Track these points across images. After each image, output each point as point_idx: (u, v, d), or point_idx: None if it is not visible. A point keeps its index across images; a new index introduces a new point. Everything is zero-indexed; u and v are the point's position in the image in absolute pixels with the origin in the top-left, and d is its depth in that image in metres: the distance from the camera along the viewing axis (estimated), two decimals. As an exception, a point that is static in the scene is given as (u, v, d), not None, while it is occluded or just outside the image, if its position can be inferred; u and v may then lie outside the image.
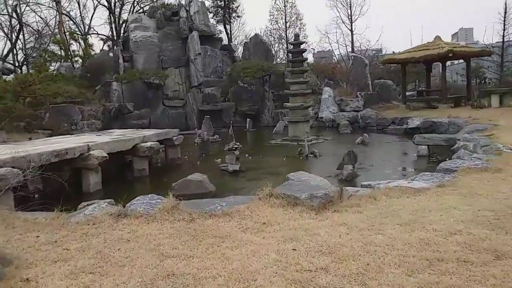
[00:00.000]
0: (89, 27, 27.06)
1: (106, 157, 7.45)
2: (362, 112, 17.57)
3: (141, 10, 25.54)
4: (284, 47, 29.60)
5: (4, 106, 9.26)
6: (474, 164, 5.67)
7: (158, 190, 7.62)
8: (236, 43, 28.89)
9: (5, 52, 26.79)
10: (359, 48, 27.76)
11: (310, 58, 31.07)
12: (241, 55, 24.41)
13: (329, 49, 29.54)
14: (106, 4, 25.28)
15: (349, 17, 28.09)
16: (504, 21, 25.52)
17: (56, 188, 7.11)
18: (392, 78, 22.82)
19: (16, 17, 26.76)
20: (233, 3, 27.45)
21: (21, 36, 27.14)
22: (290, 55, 14.23)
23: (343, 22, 28.48)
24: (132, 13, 26.35)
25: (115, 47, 22.16)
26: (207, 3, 26.10)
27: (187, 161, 10.76)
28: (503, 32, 25.73)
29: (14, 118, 9.86)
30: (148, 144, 8.69)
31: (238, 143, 12.84)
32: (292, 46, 13.97)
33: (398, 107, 17.65)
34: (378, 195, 4.46)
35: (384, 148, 12.05)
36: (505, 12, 25.35)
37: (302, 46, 14.30)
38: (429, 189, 4.62)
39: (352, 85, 20.28)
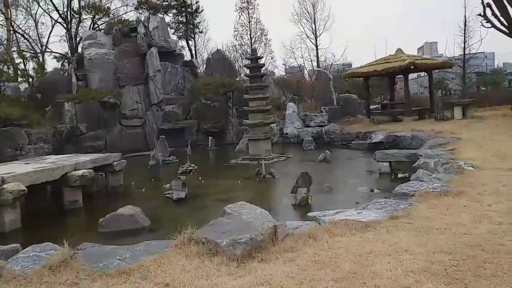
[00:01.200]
0: (46, 46, 25.79)
1: (24, 190, 6.44)
2: (326, 127, 17.10)
3: (98, 28, 24.47)
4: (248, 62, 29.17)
5: None
6: (433, 187, 5.05)
7: (86, 227, 6.71)
8: (200, 60, 28.24)
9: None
10: (324, 63, 27.63)
11: (280, 73, 30.71)
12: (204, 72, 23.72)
13: (301, 64, 29.34)
14: (62, 21, 24.09)
15: (314, 32, 28.00)
16: (464, 33, 26.10)
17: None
18: (359, 92, 22.64)
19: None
20: (195, 19, 26.81)
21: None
22: (247, 70, 13.58)
23: (308, 37, 28.34)
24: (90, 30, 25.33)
25: (68, 65, 20.97)
26: (168, 19, 25.37)
27: (132, 188, 9.79)
28: (464, 45, 26.27)
29: None
30: (80, 172, 7.72)
31: (193, 165, 12.09)
32: (250, 61, 13.35)
33: (363, 121, 17.29)
34: (319, 233, 3.72)
35: (346, 165, 11.49)
36: (465, 25, 25.92)
37: (261, 61, 13.71)
38: (379, 222, 3.92)
39: (316, 100, 19.87)
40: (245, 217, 4.43)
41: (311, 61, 28.31)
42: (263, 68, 14.00)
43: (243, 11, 28.80)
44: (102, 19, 24.18)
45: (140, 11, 24.02)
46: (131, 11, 26.03)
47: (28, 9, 25.56)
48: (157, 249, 3.62)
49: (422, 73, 31.71)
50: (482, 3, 14.68)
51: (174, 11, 25.66)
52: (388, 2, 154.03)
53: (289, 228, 4.06)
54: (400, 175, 8.77)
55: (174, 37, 24.73)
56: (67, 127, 18.10)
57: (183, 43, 26.92)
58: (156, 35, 22.10)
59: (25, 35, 25.58)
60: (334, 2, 70.60)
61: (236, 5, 28.59)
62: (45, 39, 26.24)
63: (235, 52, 28.93)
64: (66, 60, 23.72)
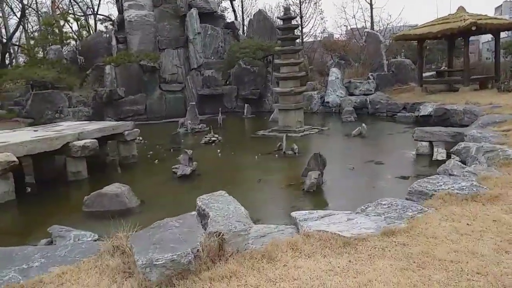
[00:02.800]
0: (92, 8, 25.97)
1: (13, 161, 6.15)
2: (372, 96, 15.53)
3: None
4: (298, 23, 27.37)
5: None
6: (460, 186, 3.90)
7: (75, 204, 6.32)
8: (247, 21, 26.92)
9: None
10: (379, 24, 25.18)
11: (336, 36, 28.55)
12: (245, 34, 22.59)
13: (351, 26, 26.99)
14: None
15: (368, -12, 25.42)
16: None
17: None
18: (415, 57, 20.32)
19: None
20: (239, -23, 25.40)
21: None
22: (279, 32, 12.36)
23: (361, -6, 25.80)
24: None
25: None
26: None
27: (147, 159, 9.36)
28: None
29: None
30: (82, 142, 7.34)
31: (216, 135, 11.43)
32: (282, 22, 12.10)
33: (414, 90, 15.45)
34: (280, 250, 2.85)
35: (383, 142, 10.20)
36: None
37: (294, 22, 12.41)
38: (365, 239, 2.95)
39: (364, 65, 18.11)
40: (212, 214, 3.64)
41: (365, 22, 25.97)
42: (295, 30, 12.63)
43: (293, -32, 26.76)
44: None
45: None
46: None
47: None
48: (81, 255, 2.98)
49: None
50: None
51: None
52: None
53: (252, 237, 3.22)
54: (440, 158, 7.47)
55: (217, -3, 23.64)
56: (106, 91, 18.17)
57: (227, 3, 25.74)
58: (197, -5, 21.19)
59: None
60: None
61: (285, -39, 26.57)
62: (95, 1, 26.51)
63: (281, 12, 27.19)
64: (110, 23, 23.67)
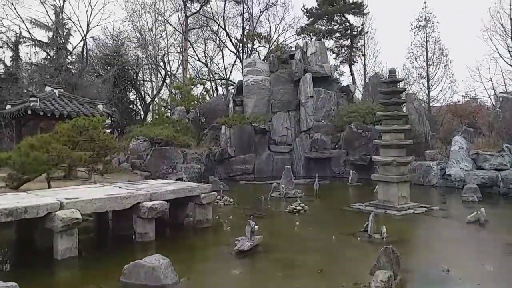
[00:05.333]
0: (215, 73, 28.59)
1: (77, 219, 6.37)
2: (505, 173, 12.82)
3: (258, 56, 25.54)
4: (424, 87, 25.36)
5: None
6: None
7: (116, 271, 6.11)
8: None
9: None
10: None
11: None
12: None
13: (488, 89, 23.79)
14: (234, 50, 26.18)
15: (510, 50, 22.25)
16: None
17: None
18: None
19: (163, 66, 30.24)
20: (359, 42, 24.94)
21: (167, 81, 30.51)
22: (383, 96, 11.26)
23: (501, 55, 22.68)
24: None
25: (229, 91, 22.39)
26: (330, 44, 24.39)
27: (222, 224, 9.00)
28: None
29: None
30: (150, 203, 7.35)
31: (302, 204, 10.55)
32: (385, 85, 11.03)
33: None
34: None
35: (503, 236, 7.89)
36: None
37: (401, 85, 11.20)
38: None
39: (498, 134, 15.34)
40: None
41: (505, 85, 22.53)
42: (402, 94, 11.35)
43: (420, 30, 25.37)
44: (262, 46, 25.09)
45: (303, 36, 23.82)
46: (290, 36, 26.26)
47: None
48: None
49: None
50: None
51: (338, 34, 24.53)
52: None
53: None
54: None
55: (333, 62, 23.60)
56: (218, 150, 19.07)
57: (345, 68, 25.45)
58: (313, 60, 21.51)
59: (205, 63, 28.97)
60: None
61: (411, 24, 25.38)
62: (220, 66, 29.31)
63: (407, 75, 25.60)
64: (232, 87, 25.51)
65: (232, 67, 30.23)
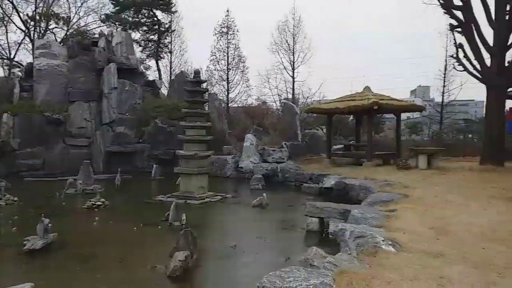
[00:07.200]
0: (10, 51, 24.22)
1: None
2: (282, 165, 15.46)
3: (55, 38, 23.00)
4: (225, 89, 27.75)
5: None
6: (308, 285, 3.34)
7: None
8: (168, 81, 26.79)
9: None
10: (299, 96, 26.35)
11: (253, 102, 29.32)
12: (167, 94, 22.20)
13: (273, 95, 27.97)
14: (23, 27, 22.65)
15: (291, 63, 26.81)
16: (444, 78, 25.40)
17: None
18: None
19: None
20: (166, 38, 25.49)
21: None
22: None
23: (285, 68, 27.08)
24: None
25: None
26: (137, 36, 23.98)
27: (6, 225, 7.93)
28: (443, 89, 25.54)
29: None
30: None
31: (103, 200, 10.24)
32: (190, 84, 11.79)
33: (323, 162, 15.68)
34: None
35: (280, 215, 9.71)
36: (445, 69, 25.23)
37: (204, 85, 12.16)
38: None
39: (280, 133, 18.32)
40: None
41: (287, 93, 27.02)
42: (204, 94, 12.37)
43: (222, 36, 27.63)
44: (60, 28, 22.70)
45: (108, 24, 22.65)
46: (93, 22, 24.61)
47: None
48: None
49: (413, 114, 30.78)
50: (455, 43, 13.43)
51: (145, 28, 24.38)
52: (383, 44, 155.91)
53: None
54: (332, 236, 7.07)
55: (139, 55, 23.34)
56: (-2, 142, 16.27)
57: (152, 62, 25.50)
58: (118, 50, 20.71)
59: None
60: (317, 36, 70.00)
61: (215, 29, 27.40)
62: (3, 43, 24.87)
63: (210, 76, 27.52)
64: (20, 69, 22.09)
65: (18, 46, 26.11)
